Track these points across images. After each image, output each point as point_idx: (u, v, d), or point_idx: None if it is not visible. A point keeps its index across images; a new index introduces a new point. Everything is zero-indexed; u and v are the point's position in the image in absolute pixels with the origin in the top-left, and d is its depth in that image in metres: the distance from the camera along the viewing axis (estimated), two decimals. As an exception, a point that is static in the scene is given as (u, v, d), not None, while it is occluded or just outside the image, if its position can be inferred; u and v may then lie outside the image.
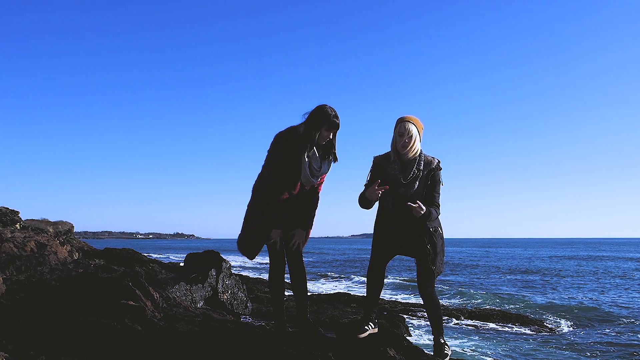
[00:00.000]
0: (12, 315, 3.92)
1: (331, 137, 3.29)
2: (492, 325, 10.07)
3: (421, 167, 3.18)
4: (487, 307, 12.47)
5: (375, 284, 3.36)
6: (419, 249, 3.23)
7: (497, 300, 14.19)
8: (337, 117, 3.27)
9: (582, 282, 19.85)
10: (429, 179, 3.22)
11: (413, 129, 3.13)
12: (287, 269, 3.56)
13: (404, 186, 3.16)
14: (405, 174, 3.16)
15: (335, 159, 3.45)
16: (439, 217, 3.28)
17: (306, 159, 3.27)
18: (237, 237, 3.56)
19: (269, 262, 3.56)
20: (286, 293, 4.11)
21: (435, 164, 3.23)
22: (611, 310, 12.27)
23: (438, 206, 3.25)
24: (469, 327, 9.88)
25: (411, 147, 3.13)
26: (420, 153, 3.22)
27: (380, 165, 3.27)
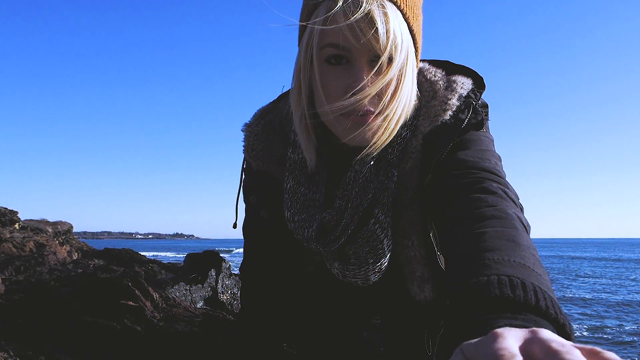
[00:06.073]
0: (11, 315, 3.90)
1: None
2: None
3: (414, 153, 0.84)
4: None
5: None
6: None
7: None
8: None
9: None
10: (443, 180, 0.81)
11: (396, 22, 0.72)
12: None
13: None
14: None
15: None
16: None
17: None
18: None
19: None
20: None
21: (468, 116, 0.83)
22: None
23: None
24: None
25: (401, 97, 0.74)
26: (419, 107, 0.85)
27: (272, 180, 0.98)
